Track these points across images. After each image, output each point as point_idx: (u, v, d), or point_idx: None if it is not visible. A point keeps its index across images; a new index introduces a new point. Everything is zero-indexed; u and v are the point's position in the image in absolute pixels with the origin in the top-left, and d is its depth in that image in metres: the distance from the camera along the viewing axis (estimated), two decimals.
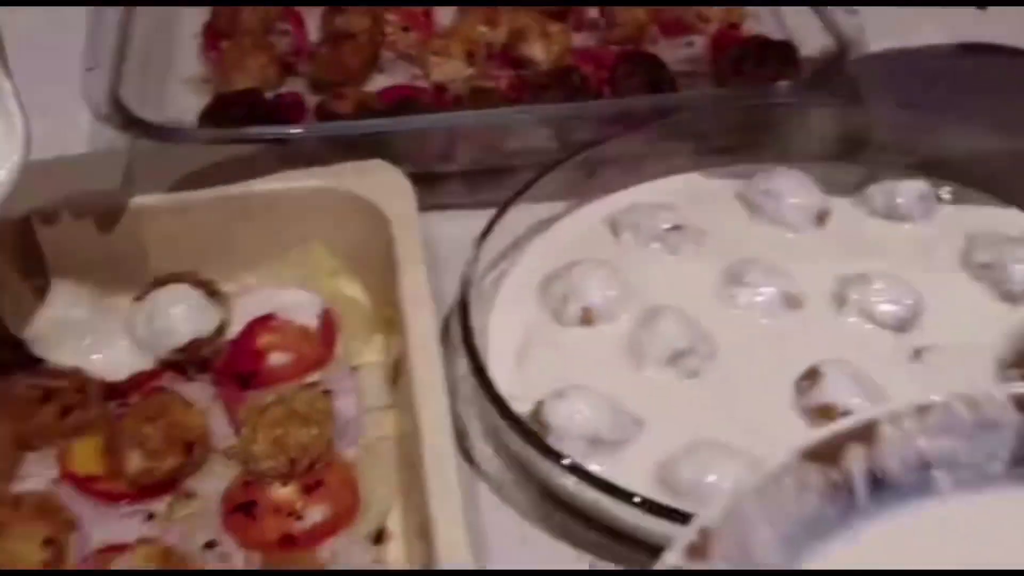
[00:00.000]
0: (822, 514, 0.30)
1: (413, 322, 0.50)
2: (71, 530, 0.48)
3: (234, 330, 0.56)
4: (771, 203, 0.59)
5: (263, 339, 0.55)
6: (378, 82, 0.71)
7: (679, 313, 0.52)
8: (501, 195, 0.58)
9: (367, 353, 0.56)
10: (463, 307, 0.51)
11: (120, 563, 0.45)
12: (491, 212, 0.57)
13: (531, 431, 0.46)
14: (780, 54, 0.67)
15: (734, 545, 0.28)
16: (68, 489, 0.49)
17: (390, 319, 0.56)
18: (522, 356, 0.53)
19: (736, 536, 0.28)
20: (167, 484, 0.50)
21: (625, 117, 0.62)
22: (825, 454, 0.30)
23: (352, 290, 0.59)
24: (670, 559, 0.27)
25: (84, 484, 0.49)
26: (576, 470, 0.44)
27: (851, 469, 0.30)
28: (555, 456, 0.45)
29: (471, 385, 0.50)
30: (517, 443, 0.47)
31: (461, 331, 0.50)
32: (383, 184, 0.57)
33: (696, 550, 0.27)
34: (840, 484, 0.30)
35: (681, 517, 0.40)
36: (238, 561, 0.47)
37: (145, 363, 0.54)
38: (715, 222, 0.59)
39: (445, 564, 0.40)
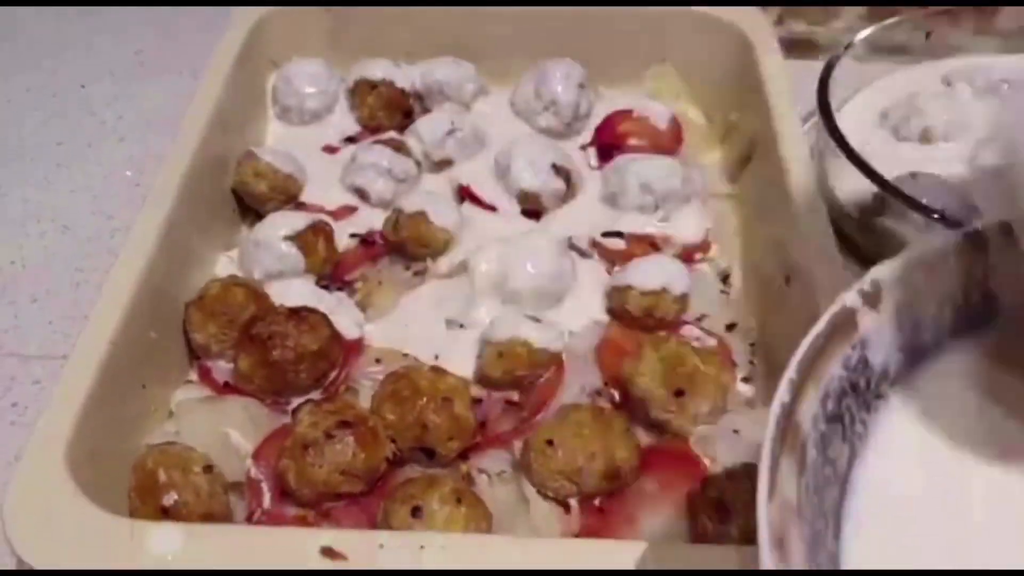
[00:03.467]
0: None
1: (783, 128, 0.55)
2: None
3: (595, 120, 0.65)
4: None
5: (623, 126, 0.63)
6: None
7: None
8: None
9: (707, 158, 0.64)
10: (823, 93, 0.57)
11: None
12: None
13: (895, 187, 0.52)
14: None
15: (904, 305, 0.31)
16: None
17: (730, 128, 0.64)
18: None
19: (905, 298, 0.31)
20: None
21: None
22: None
23: (693, 113, 0.67)
24: (848, 299, 0.30)
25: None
26: None
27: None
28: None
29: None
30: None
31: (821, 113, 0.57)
32: (744, 12, 0.65)
33: (870, 297, 0.30)
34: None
35: None
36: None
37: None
38: None
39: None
